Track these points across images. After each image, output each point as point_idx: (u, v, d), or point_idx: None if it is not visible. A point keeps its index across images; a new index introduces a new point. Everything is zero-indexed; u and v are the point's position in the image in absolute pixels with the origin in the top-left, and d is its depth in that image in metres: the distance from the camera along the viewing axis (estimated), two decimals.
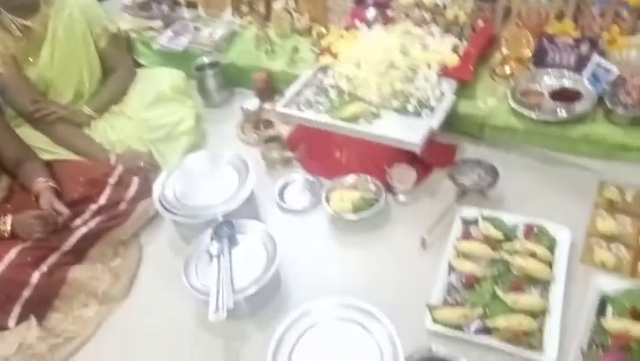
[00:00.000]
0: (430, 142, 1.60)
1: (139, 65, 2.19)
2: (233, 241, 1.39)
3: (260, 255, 1.36)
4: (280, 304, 1.37)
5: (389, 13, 1.97)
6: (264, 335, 1.21)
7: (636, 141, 1.46)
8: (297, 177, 1.74)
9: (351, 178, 1.62)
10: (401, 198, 1.61)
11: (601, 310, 1.23)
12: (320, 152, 1.76)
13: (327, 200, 1.57)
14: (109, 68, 1.95)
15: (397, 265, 1.43)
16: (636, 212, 1.43)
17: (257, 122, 1.95)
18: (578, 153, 1.56)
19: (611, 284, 1.26)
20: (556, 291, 1.27)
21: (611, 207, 1.46)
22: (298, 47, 2.06)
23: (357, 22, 1.94)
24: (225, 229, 1.40)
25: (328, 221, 1.59)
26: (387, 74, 1.65)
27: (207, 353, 1.31)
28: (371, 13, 1.97)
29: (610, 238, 1.38)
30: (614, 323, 1.18)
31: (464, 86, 1.71)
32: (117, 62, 1.97)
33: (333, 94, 1.70)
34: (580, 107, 1.55)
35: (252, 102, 1.97)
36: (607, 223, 1.40)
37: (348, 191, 1.57)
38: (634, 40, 1.57)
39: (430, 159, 1.66)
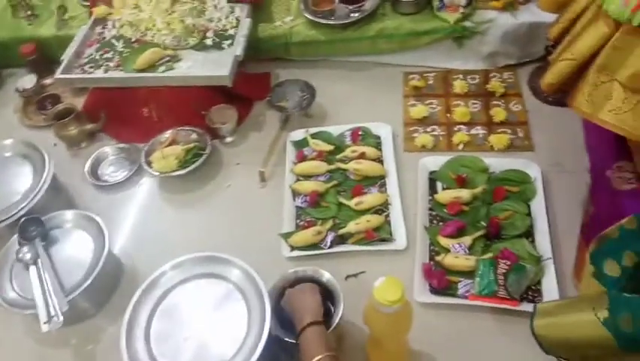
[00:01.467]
0: (243, 75, 1.52)
1: None
2: (47, 240, 1.18)
3: (87, 245, 1.18)
4: (127, 288, 1.22)
5: None
6: (118, 326, 1.07)
7: (424, 25, 1.54)
8: (108, 149, 1.53)
9: (168, 133, 1.47)
10: (228, 139, 1.52)
11: (432, 187, 1.32)
12: (126, 114, 1.56)
13: (149, 164, 1.41)
14: None
15: (242, 207, 1.36)
16: (440, 92, 1.55)
17: (41, 101, 1.66)
18: (378, 51, 1.61)
19: (435, 161, 1.36)
20: (392, 183, 1.33)
21: (419, 94, 1.55)
22: (65, 4, 1.76)
23: None
24: (33, 229, 1.18)
25: (157, 186, 1.45)
26: (173, 10, 1.50)
27: None
28: None
29: (424, 122, 1.48)
30: (444, 194, 1.28)
31: (258, 9, 1.63)
32: None
33: (119, 45, 1.50)
34: (369, 5, 1.58)
35: (27, 80, 1.66)
36: (418, 109, 1.49)
37: (168, 148, 1.43)
38: None
39: (247, 92, 1.59)
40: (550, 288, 1.08)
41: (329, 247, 1.22)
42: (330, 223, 1.26)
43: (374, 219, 1.24)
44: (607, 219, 0.92)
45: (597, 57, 0.92)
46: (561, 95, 1.08)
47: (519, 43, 1.54)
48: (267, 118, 1.56)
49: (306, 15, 1.60)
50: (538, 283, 1.10)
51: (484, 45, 1.55)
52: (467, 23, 1.52)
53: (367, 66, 1.65)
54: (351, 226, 1.23)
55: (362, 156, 1.37)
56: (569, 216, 1.21)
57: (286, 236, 1.24)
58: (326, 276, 1.04)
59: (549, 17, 1.20)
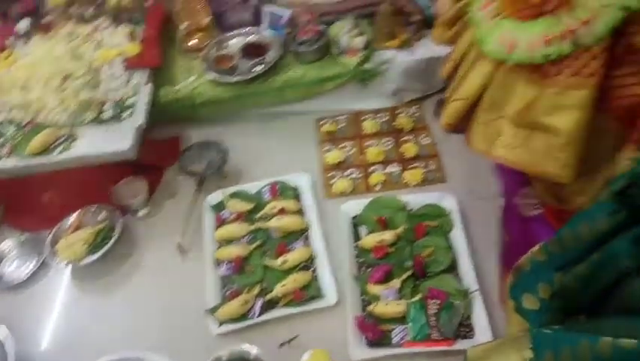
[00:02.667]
0: (149, 144, 1.45)
1: None
2: None
3: None
4: None
5: (44, 20, 1.69)
6: None
7: (327, 71, 1.56)
8: (10, 243, 1.41)
9: (73, 217, 1.37)
10: (141, 213, 1.44)
11: (356, 233, 1.31)
12: (26, 201, 1.45)
13: (55, 253, 1.31)
14: None
15: (164, 285, 1.29)
16: (352, 134, 1.56)
17: None
18: (287, 101, 1.61)
19: (356, 206, 1.35)
20: (315, 234, 1.30)
21: (332, 138, 1.56)
22: None
23: (8, 40, 1.62)
24: None
25: (69, 276, 1.34)
26: (64, 87, 1.42)
27: None
28: (22, 25, 1.67)
29: (340, 166, 1.48)
30: (369, 239, 1.27)
31: (158, 72, 1.59)
32: None
33: (10, 130, 1.40)
34: (271, 57, 1.58)
35: None
36: (333, 154, 1.49)
37: (74, 234, 1.33)
38: None
39: (156, 160, 1.53)
40: (480, 321, 1.09)
41: (258, 315, 1.17)
42: (257, 289, 1.21)
43: (301, 277, 1.20)
44: (520, 246, 0.93)
45: (482, 94, 0.96)
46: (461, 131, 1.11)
47: (420, 78, 1.59)
48: (181, 184, 1.50)
49: (209, 74, 1.58)
50: (469, 317, 1.11)
51: (388, 84, 1.59)
52: (368, 65, 1.55)
53: (278, 117, 1.64)
54: (279, 289, 1.19)
55: (282, 211, 1.34)
56: (489, 243, 1.22)
57: (213, 311, 1.18)
58: (253, 353, 0.99)
59: (444, 51, 1.24)
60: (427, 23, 1.53)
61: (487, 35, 0.93)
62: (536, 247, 0.85)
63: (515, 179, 1.15)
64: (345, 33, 1.58)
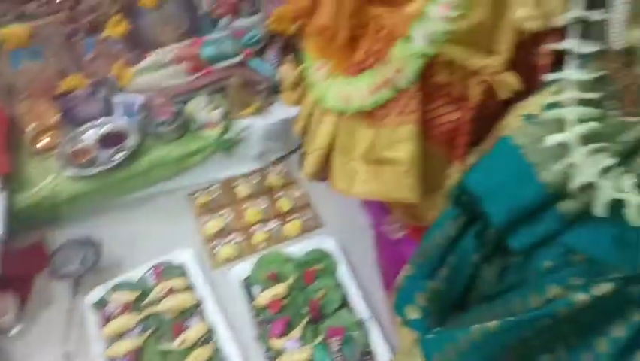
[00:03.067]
0: (12, 254, 1.35)
1: None
2: None
3: None
4: None
5: None
6: None
7: (190, 147, 1.61)
8: None
9: None
10: (14, 330, 1.31)
11: (250, 294, 1.33)
12: None
13: None
14: None
15: None
16: (227, 201, 1.61)
17: None
18: (156, 181, 1.62)
19: (244, 268, 1.38)
20: (209, 307, 1.30)
21: (208, 209, 1.59)
22: None
23: None
24: None
25: None
26: None
27: None
28: None
29: (221, 234, 1.51)
30: (262, 297, 1.30)
31: (11, 179, 1.50)
32: None
33: None
34: (130, 142, 1.59)
35: None
36: (212, 224, 1.52)
37: None
38: (136, 68, 1.69)
39: (22, 270, 1.41)
40: (379, 346, 1.17)
41: None
42: None
43: (202, 353, 1.19)
44: (395, 267, 1.05)
45: (333, 142, 1.08)
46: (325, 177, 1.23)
47: (280, 138, 1.70)
48: (55, 290, 1.40)
49: (68, 171, 1.53)
50: (368, 345, 1.18)
51: (251, 148, 1.68)
52: (228, 135, 1.63)
53: (150, 199, 1.63)
54: None
55: (170, 291, 1.32)
56: (373, 271, 1.33)
57: None
58: None
59: (296, 110, 1.36)
60: (275, 89, 1.67)
61: (325, 93, 1.07)
62: (406, 266, 0.97)
63: (379, 209, 1.29)
64: (202, 109, 1.65)
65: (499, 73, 0.88)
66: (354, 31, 1.02)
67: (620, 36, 0.62)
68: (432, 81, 0.96)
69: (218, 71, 1.69)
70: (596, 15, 0.63)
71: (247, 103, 1.67)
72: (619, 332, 0.70)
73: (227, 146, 1.64)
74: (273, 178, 1.65)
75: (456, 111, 0.96)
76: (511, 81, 0.86)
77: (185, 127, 1.64)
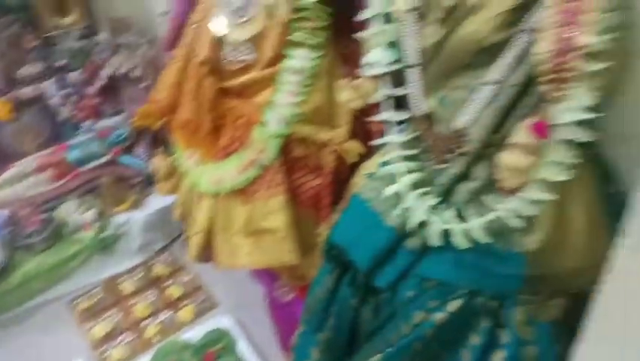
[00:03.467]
0: None
1: None
2: None
3: None
4: None
5: None
6: None
7: (65, 252, 1.56)
8: None
9: None
10: None
11: None
12: None
13: None
14: None
15: None
16: (113, 301, 1.56)
17: None
18: (34, 293, 1.53)
19: None
20: None
21: (92, 313, 1.53)
22: None
23: None
24: None
25: None
26: None
27: None
28: None
29: (111, 336, 1.46)
30: None
31: None
32: None
33: None
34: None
35: None
36: (99, 328, 1.47)
37: None
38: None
39: None
40: None
41: None
42: None
43: None
44: (289, 328, 1.12)
45: (212, 223, 1.16)
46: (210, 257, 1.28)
47: (160, 227, 1.72)
48: None
49: None
50: None
51: (132, 243, 1.67)
52: (106, 233, 1.61)
53: (31, 312, 1.53)
54: None
55: None
56: (272, 338, 1.38)
57: None
58: None
59: (167, 199, 1.41)
60: (149, 181, 1.71)
61: (198, 179, 1.16)
62: (299, 326, 1.05)
63: (268, 276, 1.37)
64: (73, 212, 1.62)
65: (344, 142, 1.04)
66: (215, 121, 1.13)
67: (420, 105, 0.80)
68: (291, 156, 1.10)
69: (88, 172, 1.69)
70: (399, 91, 0.82)
71: (122, 199, 1.68)
72: (475, 339, 0.84)
73: (106, 245, 1.62)
74: (159, 268, 1.65)
75: (316, 178, 1.10)
76: (354, 148, 1.03)
77: (56, 234, 1.59)
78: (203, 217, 1.16)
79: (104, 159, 1.70)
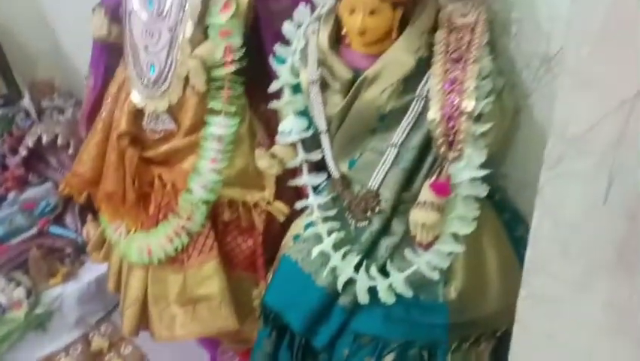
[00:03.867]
0: None
1: None
2: None
3: None
4: None
5: None
6: None
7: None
8: None
9: None
10: None
11: None
12: None
13: None
14: None
15: None
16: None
17: None
18: None
19: None
20: None
21: None
22: None
23: None
24: None
25: None
26: None
27: None
28: None
29: None
30: None
31: None
32: None
33: None
34: None
35: None
36: None
37: None
38: None
39: None
40: None
41: None
42: None
43: None
44: None
45: (146, 294, 1.12)
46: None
47: (97, 298, 1.65)
48: None
49: None
50: None
51: (67, 317, 1.59)
52: (38, 310, 1.53)
53: None
54: None
55: None
56: None
57: None
58: None
59: (103, 267, 1.36)
60: (82, 250, 1.64)
61: (127, 250, 1.13)
62: None
63: (210, 342, 1.33)
64: (1, 291, 1.53)
65: (271, 203, 1.05)
66: (141, 190, 1.11)
67: (334, 168, 0.83)
68: (221, 220, 1.09)
69: (14, 247, 1.61)
70: (314, 156, 0.85)
71: (53, 272, 1.60)
72: None
73: (39, 322, 1.53)
74: (99, 341, 1.57)
75: (248, 240, 1.10)
76: (282, 207, 1.04)
77: None
78: (135, 289, 1.13)
79: (31, 232, 1.63)
